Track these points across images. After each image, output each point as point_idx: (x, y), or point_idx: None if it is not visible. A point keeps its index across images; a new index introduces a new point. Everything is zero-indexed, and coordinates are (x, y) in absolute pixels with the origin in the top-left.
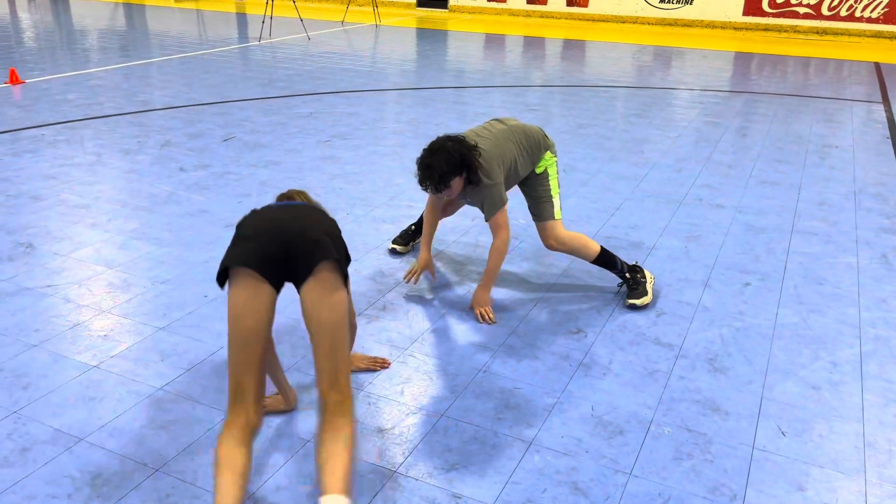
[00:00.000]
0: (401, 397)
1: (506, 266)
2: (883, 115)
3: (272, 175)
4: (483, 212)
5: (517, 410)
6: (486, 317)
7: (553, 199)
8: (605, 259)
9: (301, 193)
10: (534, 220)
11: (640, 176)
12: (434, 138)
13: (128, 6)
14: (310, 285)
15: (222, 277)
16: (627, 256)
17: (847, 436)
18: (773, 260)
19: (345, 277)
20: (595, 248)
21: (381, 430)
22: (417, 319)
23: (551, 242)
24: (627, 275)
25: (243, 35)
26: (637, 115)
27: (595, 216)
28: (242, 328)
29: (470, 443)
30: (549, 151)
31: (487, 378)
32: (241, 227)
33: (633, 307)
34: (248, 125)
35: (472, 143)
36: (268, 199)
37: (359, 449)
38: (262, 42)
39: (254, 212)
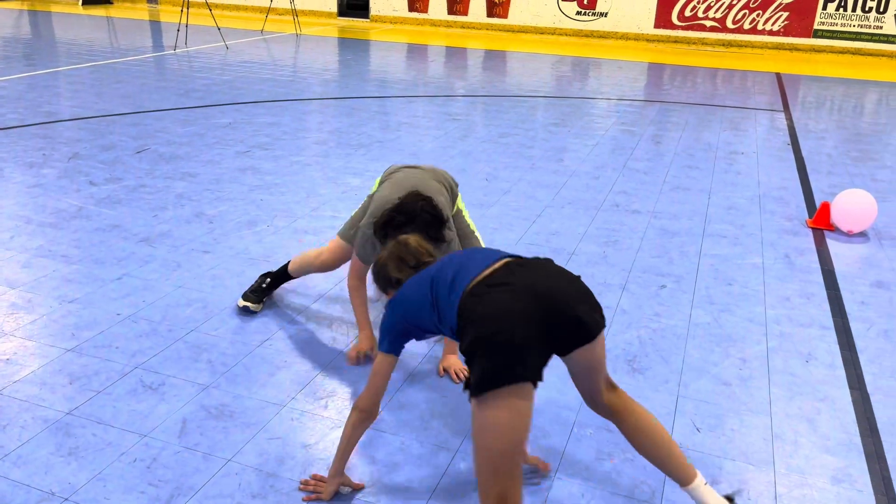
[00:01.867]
0: (325, 411)
1: None
2: (784, 122)
3: (189, 187)
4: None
5: (444, 419)
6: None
7: (476, 233)
8: None
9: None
10: None
11: (560, 183)
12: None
13: (33, 13)
14: (590, 349)
15: (502, 379)
16: None
17: (757, 429)
18: (687, 262)
19: None
20: None
21: (305, 446)
22: (341, 331)
23: None
24: None
25: (157, 43)
26: (556, 125)
27: (517, 223)
28: (520, 441)
29: (395, 454)
30: (457, 187)
31: (413, 388)
32: (515, 312)
33: None
34: (164, 136)
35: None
36: (185, 212)
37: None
38: (177, 51)
39: (511, 275)
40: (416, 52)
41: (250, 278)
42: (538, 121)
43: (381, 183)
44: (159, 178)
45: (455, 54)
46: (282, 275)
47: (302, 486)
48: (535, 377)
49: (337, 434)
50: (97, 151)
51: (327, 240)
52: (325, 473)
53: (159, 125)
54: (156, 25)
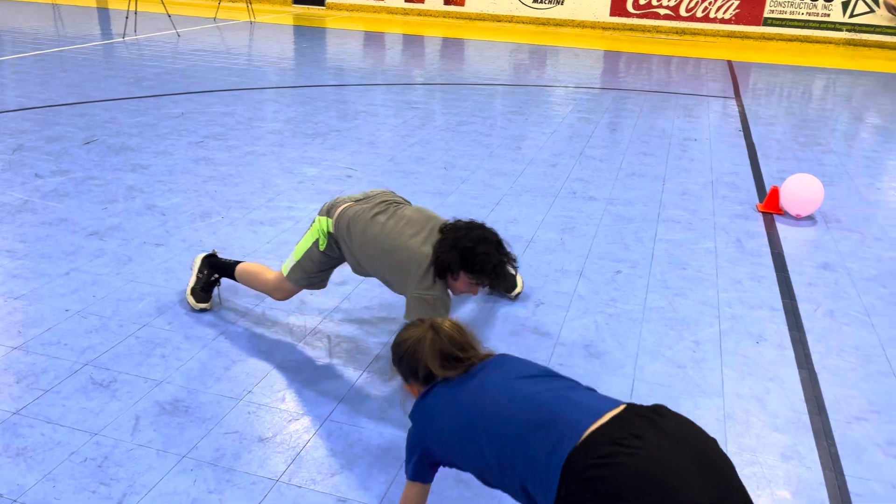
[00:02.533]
0: (282, 404)
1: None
2: (735, 109)
3: (140, 179)
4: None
5: (401, 409)
6: None
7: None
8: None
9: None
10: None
11: (517, 172)
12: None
13: None
14: None
15: None
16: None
17: (710, 410)
18: (642, 248)
19: None
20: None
21: (262, 440)
22: (297, 325)
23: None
24: None
25: (106, 31)
26: (514, 113)
27: (475, 212)
28: None
29: (354, 445)
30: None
31: (371, 379)
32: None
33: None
34: (113, 127)
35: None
36: (136, 205)
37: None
38: (126, 38)
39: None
40: (373, 39)
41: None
42: (496, 109)
43: (345, 236)
44: (109, 170)
45: (412, 42)
46: (225, 270)
47: None
48: None
49: (295, 427)
50: (43, 143)
51: (282, 231)
52: (282, 468)
53: (108, 115)
54: (103, 13)
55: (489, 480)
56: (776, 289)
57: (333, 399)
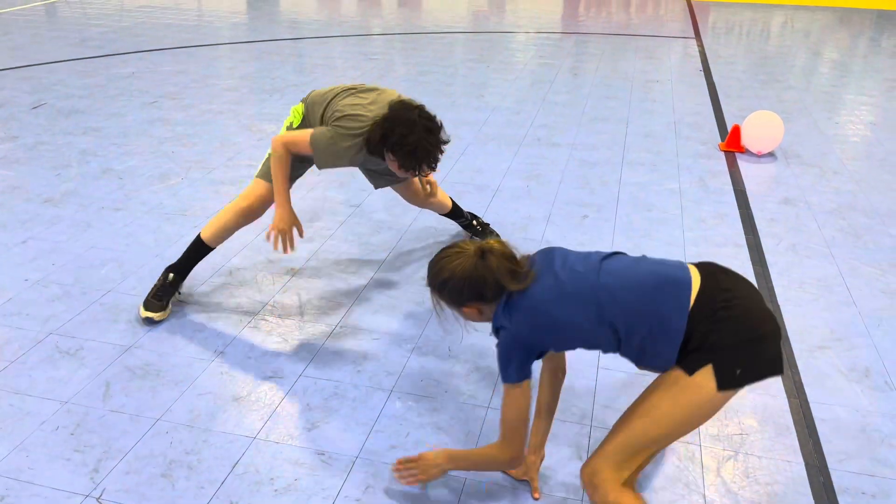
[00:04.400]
0: (255, 362)
1: (357, 224)
2: (696, 49)
3: (93, 143)
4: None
5: (376, 361)
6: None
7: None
8: None
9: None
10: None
11: (481, 120)
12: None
13: None
14: None
15: (765, 373)
16: (474, 200)
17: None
18: (607, 192)
19: None
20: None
21: (236, 399)
22: (266, 283)
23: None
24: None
25: None
26: (475, 60)
27: (441, 162)
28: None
29: (330, 399)
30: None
31: (344, 333)
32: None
33: None
34: (61, 90)
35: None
36: (91, 169)
37: None
38: None
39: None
40: None
41: (168, 234)
42: (457, 57)
43: (311, 107)
44: (59, 135)
45: None
46: (193, 255)
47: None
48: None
49: (269, 384)
50: None
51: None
52: (259, 425)
53: (55, 78)
54: None
55: (605, 348)
56: (740, 226)
57: (307, 354)
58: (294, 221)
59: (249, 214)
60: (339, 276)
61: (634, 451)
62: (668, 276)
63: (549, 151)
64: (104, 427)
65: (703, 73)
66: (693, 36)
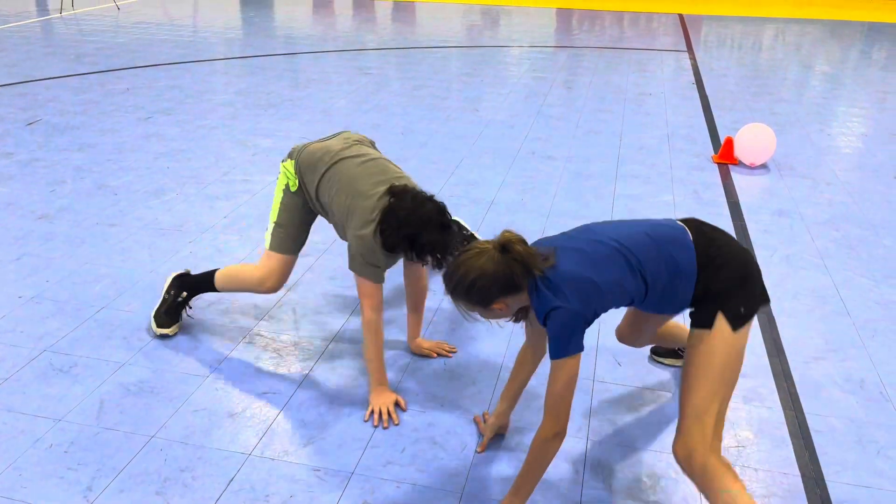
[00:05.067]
0: (250, 379)
1: None
2: (688, 62)
3: (88, 159)
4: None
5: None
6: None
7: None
8: None
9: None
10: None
11: (476, 134)
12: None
13: None
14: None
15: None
16: (469, 213)
17: None
18: (601, 204)
19: None
20: None
21: (231, 415)
22: (260, 298)
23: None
24: None
25: (41, 7)
26: (469, 74)
27: (436, 176)
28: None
29: (326, 414)
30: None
31: (339, 348)
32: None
33: None
34: (56, 106)
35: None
36: (86, 185)
37: None
38: (63, 14)
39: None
40: (323, 5)
41: (163, 250)
42: (451, 71)
43: (303, 173)
44: (54, 151)
45: (363, 6)
46: (200, 285)
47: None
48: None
49: (264, 400)
50: None
51: (239, 205)
52: (254, 441)
53: (50, 94)
54: None
55: (636, 300)
56: (733, 237)
57: (302, 370)
58: (394, 398)
59: (260, 286)
60: (333, 292)
61: (709, 415)
62: (668, 230)
63: (544, 164)
64: (98, 445)
65: (695, 85)
66: (685, 49)
